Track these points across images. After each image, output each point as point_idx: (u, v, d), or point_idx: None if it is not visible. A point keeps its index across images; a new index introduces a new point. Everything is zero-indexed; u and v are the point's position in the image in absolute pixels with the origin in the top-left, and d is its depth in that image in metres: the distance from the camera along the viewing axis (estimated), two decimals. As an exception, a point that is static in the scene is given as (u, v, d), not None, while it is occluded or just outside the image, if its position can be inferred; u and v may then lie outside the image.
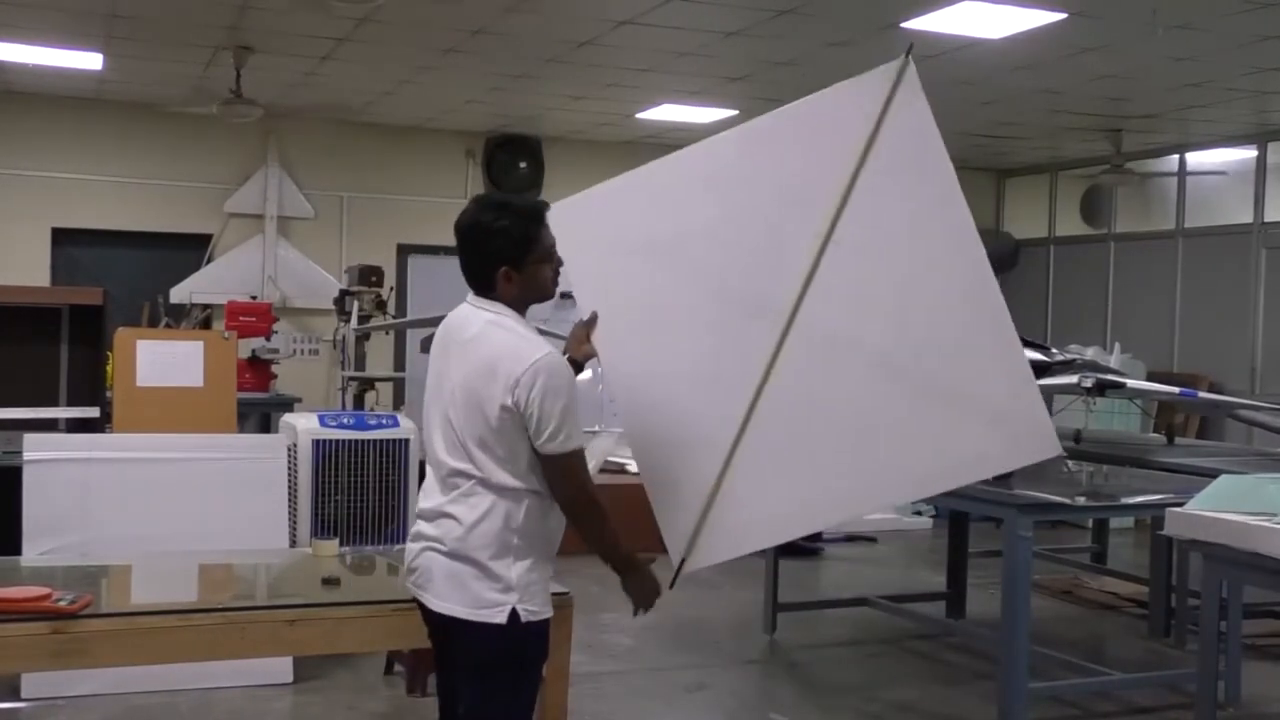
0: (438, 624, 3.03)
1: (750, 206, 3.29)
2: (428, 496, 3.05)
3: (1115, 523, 8.62)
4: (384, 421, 5.86)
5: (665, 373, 3.25)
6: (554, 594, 3.15)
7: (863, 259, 3.07)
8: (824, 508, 3.12)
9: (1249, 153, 10.92)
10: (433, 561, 2.97)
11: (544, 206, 3.08)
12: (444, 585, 2.95)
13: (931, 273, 3.05)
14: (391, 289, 9.67)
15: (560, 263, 3.06)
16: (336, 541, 4.59)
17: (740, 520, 3.08)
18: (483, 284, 2.99)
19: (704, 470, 3.15)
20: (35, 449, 5.16)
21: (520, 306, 3.01)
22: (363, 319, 9.38)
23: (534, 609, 2.94)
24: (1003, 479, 5.06)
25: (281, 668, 5.24)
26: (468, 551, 2.91)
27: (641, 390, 3.27)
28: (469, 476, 2.92)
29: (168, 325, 9.11)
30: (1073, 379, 5.99)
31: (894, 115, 3.04)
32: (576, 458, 2.92)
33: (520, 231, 2.95)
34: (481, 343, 2.93)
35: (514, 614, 2.90)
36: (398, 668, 5.42)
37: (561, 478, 2.93)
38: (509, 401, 2.84)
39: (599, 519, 2.99)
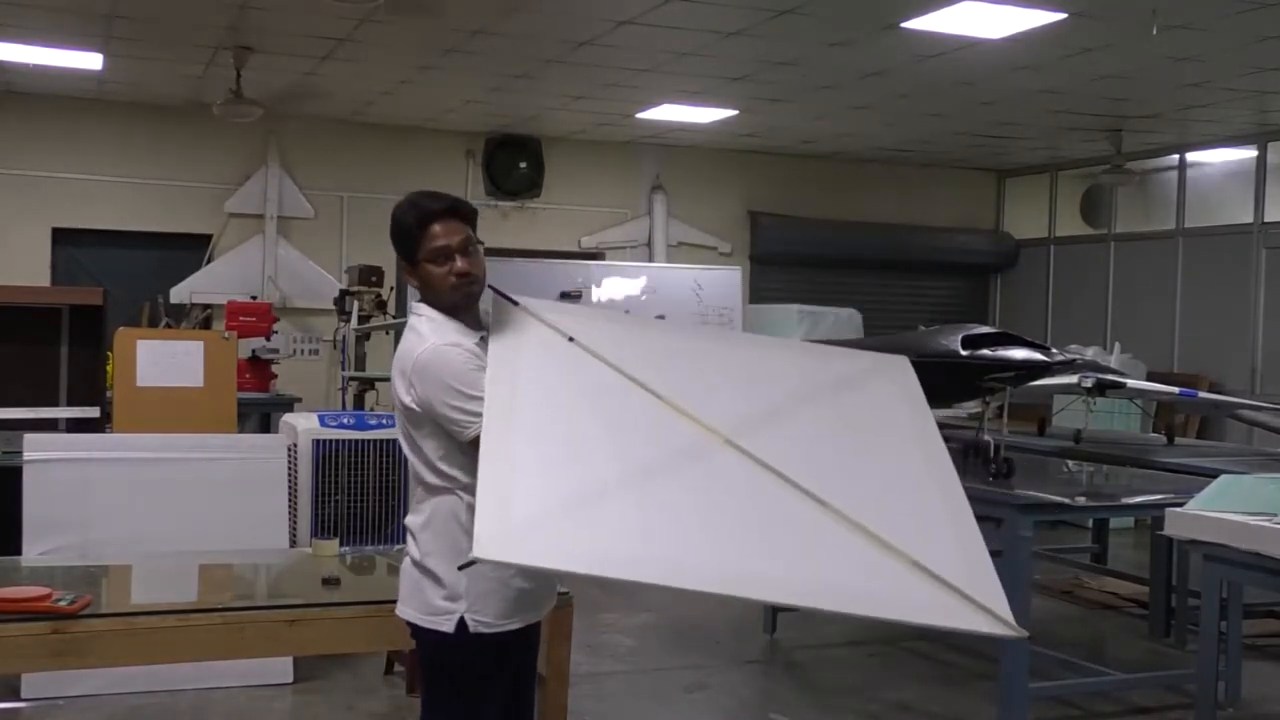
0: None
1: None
2: None
3: (1115, 523, 8.60)
4: (384, 421, 5.85)
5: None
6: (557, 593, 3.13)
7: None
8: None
9: (1249, 153, 10.92)
10: (404, 568, 2.96)
11: (435, 205, 2.91)
12: (405, 590, 2.94)
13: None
14: (392, 289, 9.65)
15: (463, 267, 2.87)
16: (336, 541, 4.59)
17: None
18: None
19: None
20: (35, 449, 5.16)
21: (439, 305, 2.92)
22: (363, 319, 9.37)
23: (486, 620, 2.82)
24: (1003, 479, 5.08)
25: (281, 668, 5.24)
26: (421, 558, 2.88)
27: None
28: (415, 483, 2.93)
29: (168, 325, 9.11)
30: (1073, 379, 5.99)
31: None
32: None
33: (402, 227, 2.91)
34: (397, 352, 2.94)
35: (461, 623, 2.82)
36: (398, 668, 5.42)
37: None
38: (408, 400, 2.83)
39: None
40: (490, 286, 2.98)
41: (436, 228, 2.89)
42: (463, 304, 2.92)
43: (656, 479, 2.62)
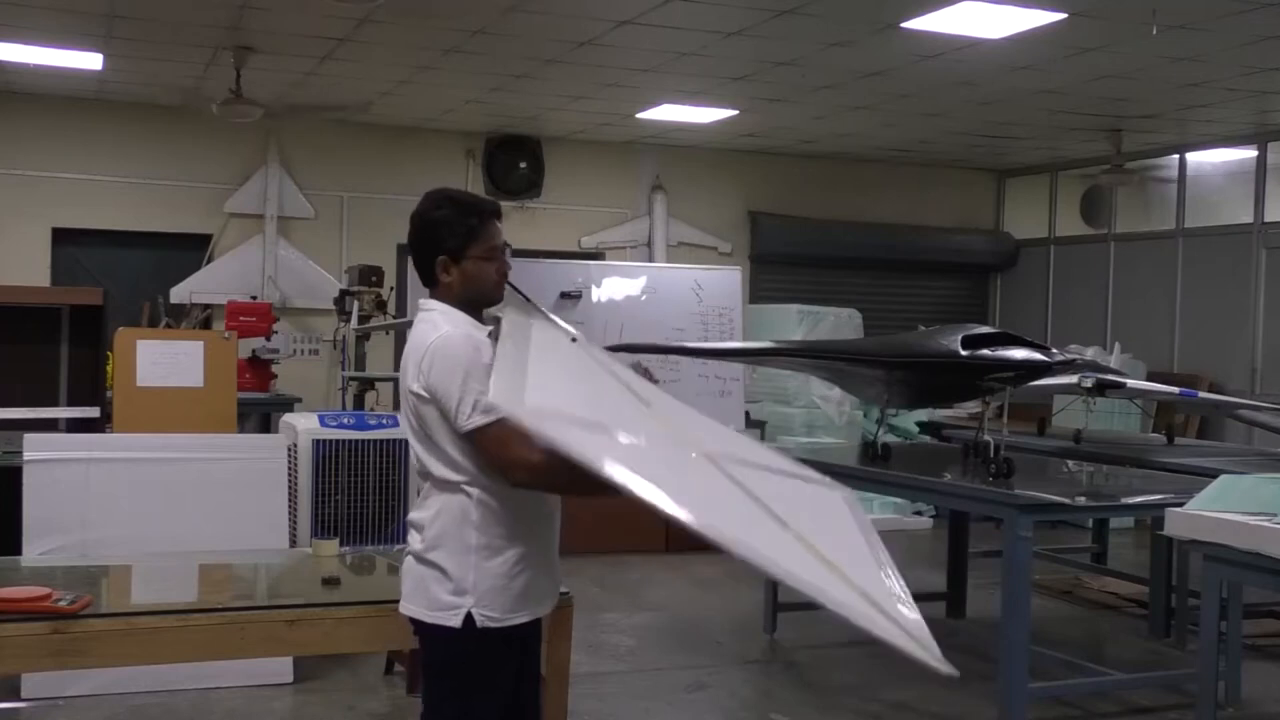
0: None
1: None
2: None
3: (1115, 523, 8.61)
4: (384, 421, 5.85)
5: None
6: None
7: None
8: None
9: (1249, 153, 10.92)
10: (407, 565, 2.97)
11: (492, 204, 3.03)
12: (409, 586, 2.94)
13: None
14: (391, 289, 9.65)
15: (509, 266, 2.99)
16: (336, 541, 4.59)
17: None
18: (426, 276, 3.00)
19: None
20: (35, 449, 5.16)
21: (463, 304, 2.94)
22: (363, 319, 9.36)
23: (493, 615, 2.84)
24: (1003, 479, 5.08)
25: (281, 668, 5.24)
26: (427, 554, 2.88)
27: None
28: (424, 478, 2.93)
29: (168, 325, 9.10)
30: (1073, 379, 5.99)
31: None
32: (495, 430, 2.71)
33: (460, 222, 2.93)
34: (408, 344, 2.95)
35: (469, 618, 2.82)
36: (398, 668, 5.42)
37: (489, 455, 2.77)
38: (417, 388, 2.84)
39: (561, 481, 2.73)
40: (506, 281, 3.03)
41: (498, 225, 2.98)
42: (494, 303, 2.98)
43: (642, 453, 2.63)
